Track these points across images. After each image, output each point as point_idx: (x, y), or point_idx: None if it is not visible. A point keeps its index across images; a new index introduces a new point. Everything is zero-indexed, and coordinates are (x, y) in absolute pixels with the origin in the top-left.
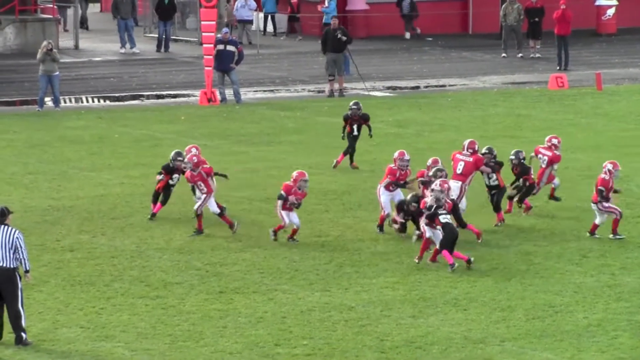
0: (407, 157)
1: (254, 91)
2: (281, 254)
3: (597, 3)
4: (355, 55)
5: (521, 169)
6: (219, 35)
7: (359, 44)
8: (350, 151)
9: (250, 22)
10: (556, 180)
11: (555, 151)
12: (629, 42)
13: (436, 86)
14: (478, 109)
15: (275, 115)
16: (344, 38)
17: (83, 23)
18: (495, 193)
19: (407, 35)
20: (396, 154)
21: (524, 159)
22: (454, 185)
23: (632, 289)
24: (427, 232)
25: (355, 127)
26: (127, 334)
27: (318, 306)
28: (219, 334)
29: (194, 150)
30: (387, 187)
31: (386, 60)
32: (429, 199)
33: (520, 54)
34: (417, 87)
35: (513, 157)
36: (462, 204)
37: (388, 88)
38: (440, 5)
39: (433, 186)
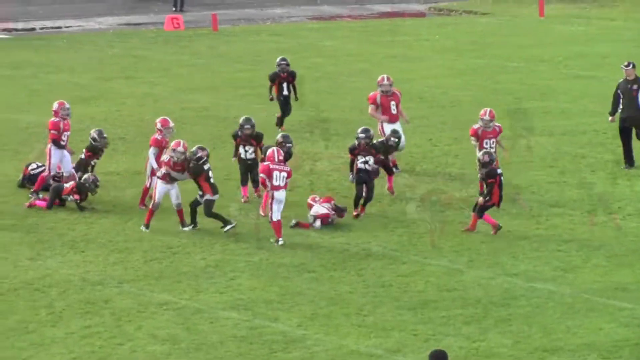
0: (67, 105)
1: None
2: None
3: None
4: None
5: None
6: None
7: None
8: (282, 115)
9: None
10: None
11: None
12: None
13: (52, 27)
14: (94, 50)
15: None
16: None
17: None
18: None
19: None
20: (55, 105)
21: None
22: None
23: (249, 231)
24: None
25: (284, 85)
26: None
27: None
28: None
29: None
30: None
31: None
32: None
33: None
34: (33, 29)
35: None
36: None
37: (3, 30)
38: None
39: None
